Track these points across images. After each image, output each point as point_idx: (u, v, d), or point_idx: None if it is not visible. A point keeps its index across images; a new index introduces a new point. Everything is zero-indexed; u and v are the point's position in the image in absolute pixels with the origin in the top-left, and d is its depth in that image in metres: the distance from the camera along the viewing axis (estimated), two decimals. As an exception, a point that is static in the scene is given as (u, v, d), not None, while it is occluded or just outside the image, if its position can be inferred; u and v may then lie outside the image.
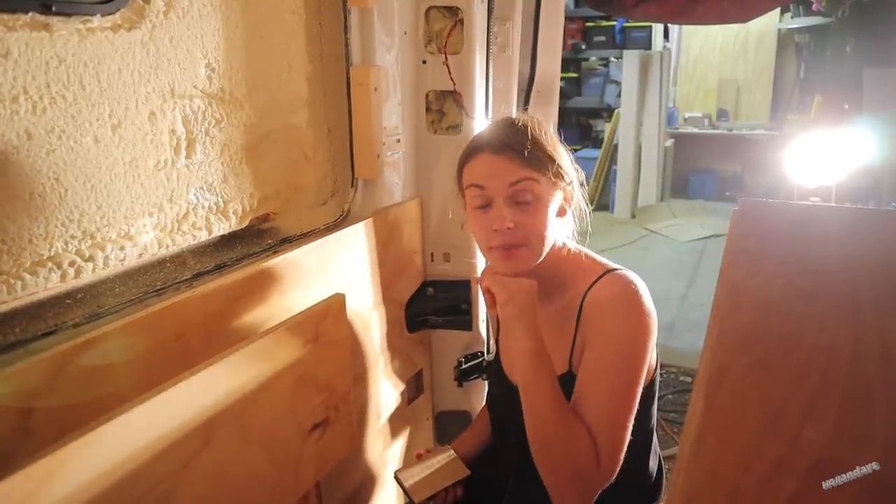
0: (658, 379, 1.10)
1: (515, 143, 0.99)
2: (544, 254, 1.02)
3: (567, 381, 0.96)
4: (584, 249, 1.09)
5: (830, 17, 4.98)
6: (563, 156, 1.05)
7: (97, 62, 0.82)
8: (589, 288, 1.01)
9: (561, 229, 1.06)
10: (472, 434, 1.28)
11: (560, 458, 0.90)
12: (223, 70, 1.01)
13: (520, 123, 1.02)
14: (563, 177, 1.03)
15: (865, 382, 0.52)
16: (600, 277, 1.01)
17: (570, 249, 1.08)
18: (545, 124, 1.06)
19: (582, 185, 1.09)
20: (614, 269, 1.03)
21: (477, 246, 1.41)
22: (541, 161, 0.99)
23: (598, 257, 1.08)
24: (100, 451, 0.60)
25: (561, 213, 1.05)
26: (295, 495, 0.89)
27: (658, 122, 5.56)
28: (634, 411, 0.93)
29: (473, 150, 1.03)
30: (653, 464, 1.14)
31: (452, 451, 1.18)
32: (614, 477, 0.90)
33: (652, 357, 1.05)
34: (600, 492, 0.92)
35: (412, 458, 1.45)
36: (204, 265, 1.00)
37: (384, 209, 1.28)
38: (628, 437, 0.92)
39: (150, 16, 0.88)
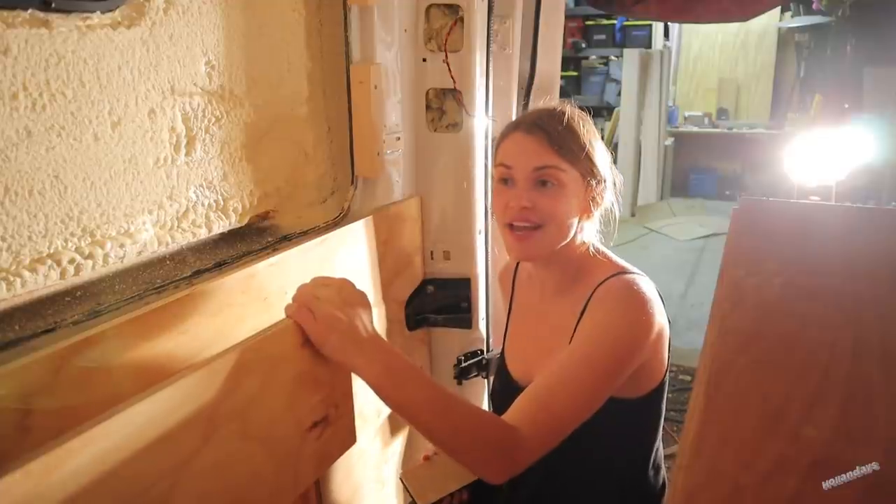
0: (665, 391, 1.06)
1: (549, 127, 0.99)
2: (561, 243, 1.01)
3: None
4: (606, 251, 1.07)
5: (831, 16, 4.98)
6: (599, 152, 1.03)
7: (97, 59, 0.82)
8: (598, 285, 1.00)
9: (585, 229, 1.05)
10: None
11: (468, 441, 0.85)
12: (223, 68, 1.01)
13: (559, 110, 1.02)
14: (594, 173, 1.01)
15: (866, 382, 0.52)
16: (612, 276, 1.00)
17: (588, 247, 1.06)
18: (588, 118, 1.05)
19: (616, 188, 1.06)
20: (629, 272, 1.01)
21: (477, 244, 1.42)
22: (572, 151, 0.99)
23: (618, 260, 1.06)
24: (100, 447, 0.60)
25: (585, 210, 1.03)
26: (294, 493, 0.89)
27: (658, 120, 5.56)
28: (592, 403, 0.89)
29: (509, 130, 1.04)
30: (654, 478, 1.12)
31: None
32: (541, 449, 0.86)
33: (657, 361, 1.02)
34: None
35: (412, 456, 1.45)
36: (204, 263, 1.00)
37: (384, 207, 1.28)
38: (571, 423, 0.88)
39: (150, 13, 0.88)
